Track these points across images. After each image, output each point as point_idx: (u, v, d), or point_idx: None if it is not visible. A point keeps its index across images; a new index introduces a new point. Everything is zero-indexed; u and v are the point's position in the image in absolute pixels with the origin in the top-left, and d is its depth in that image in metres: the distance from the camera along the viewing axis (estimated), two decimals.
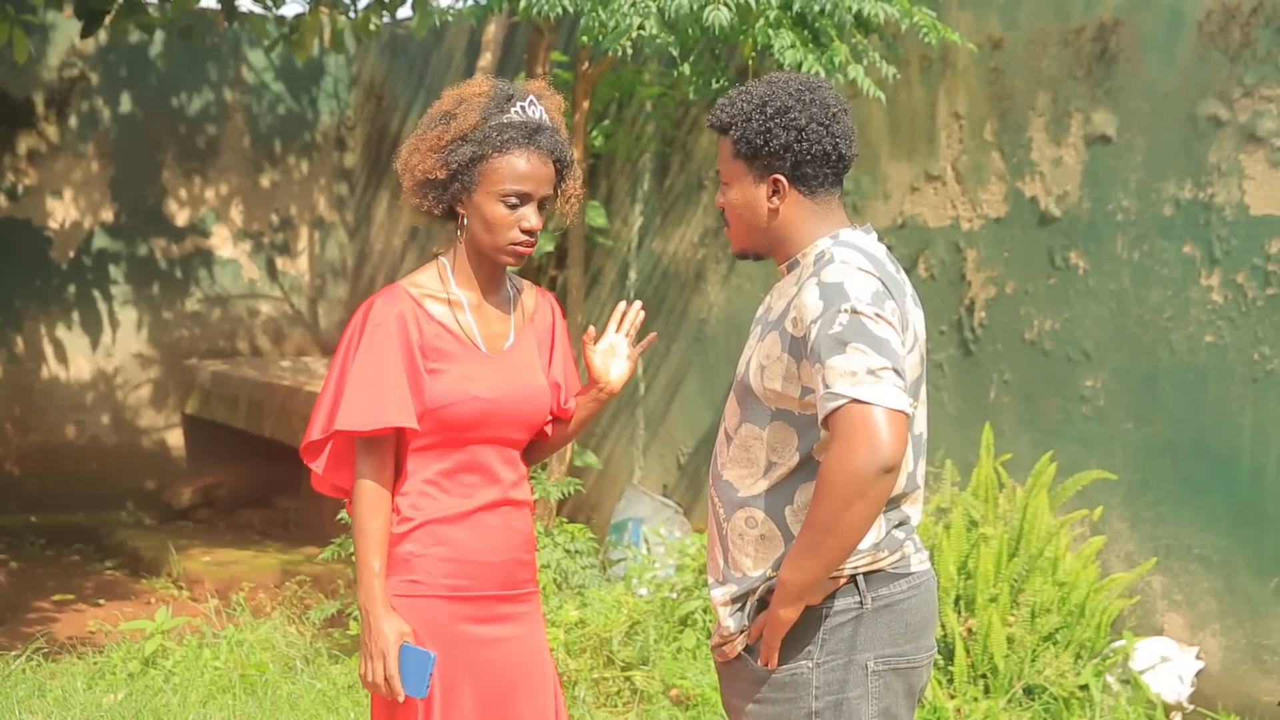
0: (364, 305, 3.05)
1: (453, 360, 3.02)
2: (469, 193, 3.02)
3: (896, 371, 2.58)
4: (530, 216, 3.02)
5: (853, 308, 2.62)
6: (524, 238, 3.03)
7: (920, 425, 2.83)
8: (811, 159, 2.80)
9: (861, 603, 2.73)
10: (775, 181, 2.82)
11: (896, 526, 2.76)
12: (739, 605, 2.81)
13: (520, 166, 2.99)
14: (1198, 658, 5.25)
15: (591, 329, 3.23)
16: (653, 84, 7.24)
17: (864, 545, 2.70)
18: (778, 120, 2.79)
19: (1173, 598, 5.38)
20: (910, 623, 2.78)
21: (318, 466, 3.07)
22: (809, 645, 2.74)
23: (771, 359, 2.76)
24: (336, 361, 3.03)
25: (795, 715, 2.76)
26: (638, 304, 3.27)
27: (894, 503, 2.76)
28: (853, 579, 2.73)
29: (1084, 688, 5.17)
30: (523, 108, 3.04)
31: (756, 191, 2.84)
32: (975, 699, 5.11)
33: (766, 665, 2.76)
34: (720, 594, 2.85)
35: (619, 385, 3.22)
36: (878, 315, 2.63)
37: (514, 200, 3.00)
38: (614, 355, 3.23)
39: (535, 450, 3.25)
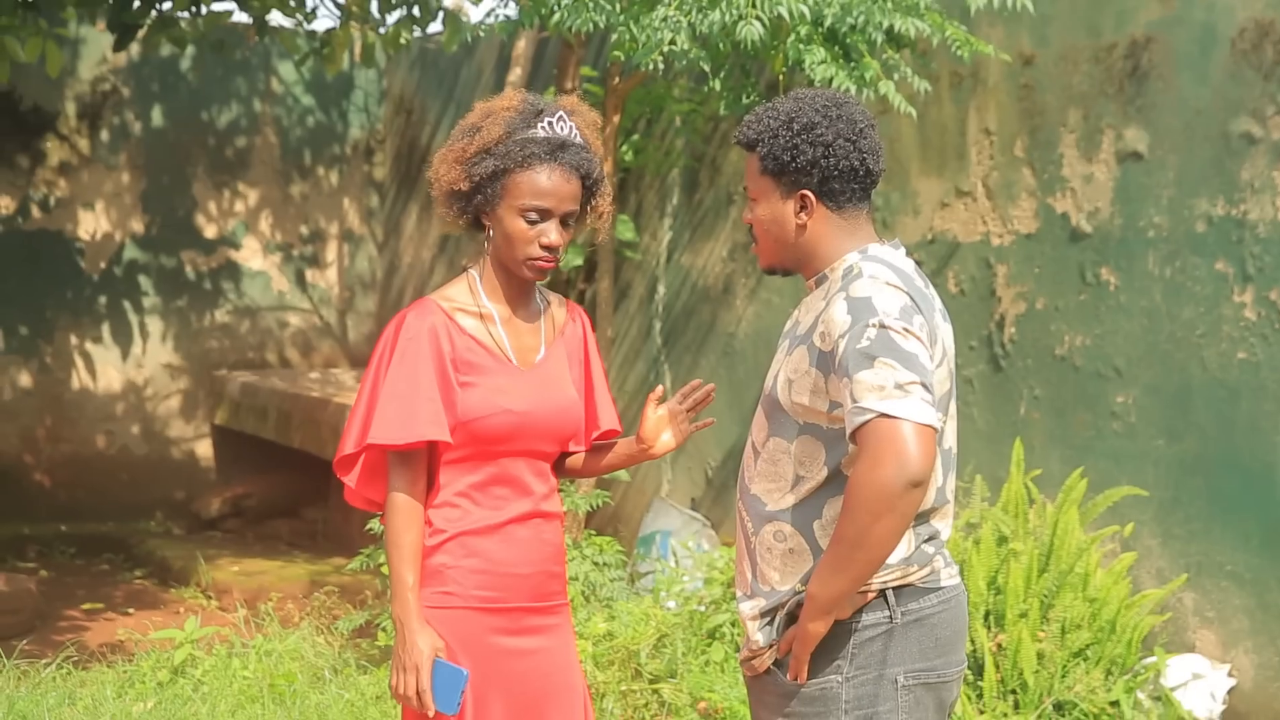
0: (396, 319, 3.07)
1: (484, 373, 3.02)
2: (491, 206, 3.03)
3: (925, 386, 2.58)
4: (550, 232, 3.02)
5: (881, 322, 2.63)
6: (543, 254, 3.03)
7: (950, 440, 2.83)
8: (839, 174, 2.81)
9: (891, 617, 2.73)
10: (803, 197, 2.83)
11: (926, 541, 2.76)
12: (768, 619, 2.81)
13: (541, 182, 3.00)
14: (1230, 675, 5.22)
15: (660, 389, 3.23)
16: (683, 100, 7.25)
17: (893, 560, 2.70)
18: (804, 136, 2.80)
19: (1204, 614, 5.36)
20: (940, 637, 2.78)
21: (351, 480, 3.09)
22: (838, 660, 2.74)
23: (799, 373, 2.77)
24: (369, 375, 3.04)
25: None
26: (710, 386, 3.26)
27: (923, 517, 2.76)
28: (882, 593, 2.73)
29: (1115, 704, 5.14)
30: (550, 124, 3.04)
31: (784, 207, 2.85)
32: (1005, 715, 5.09)
33: (796, 679, 2.76)
34: (749, 608, 2.85)
35: (662, 452, 3.23)
36: (906, 330, 2.63)
37: (534, 216, 3.01)
38: (669, 422, 3.22)
39: (564, 470, 3.26)
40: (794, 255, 2.88)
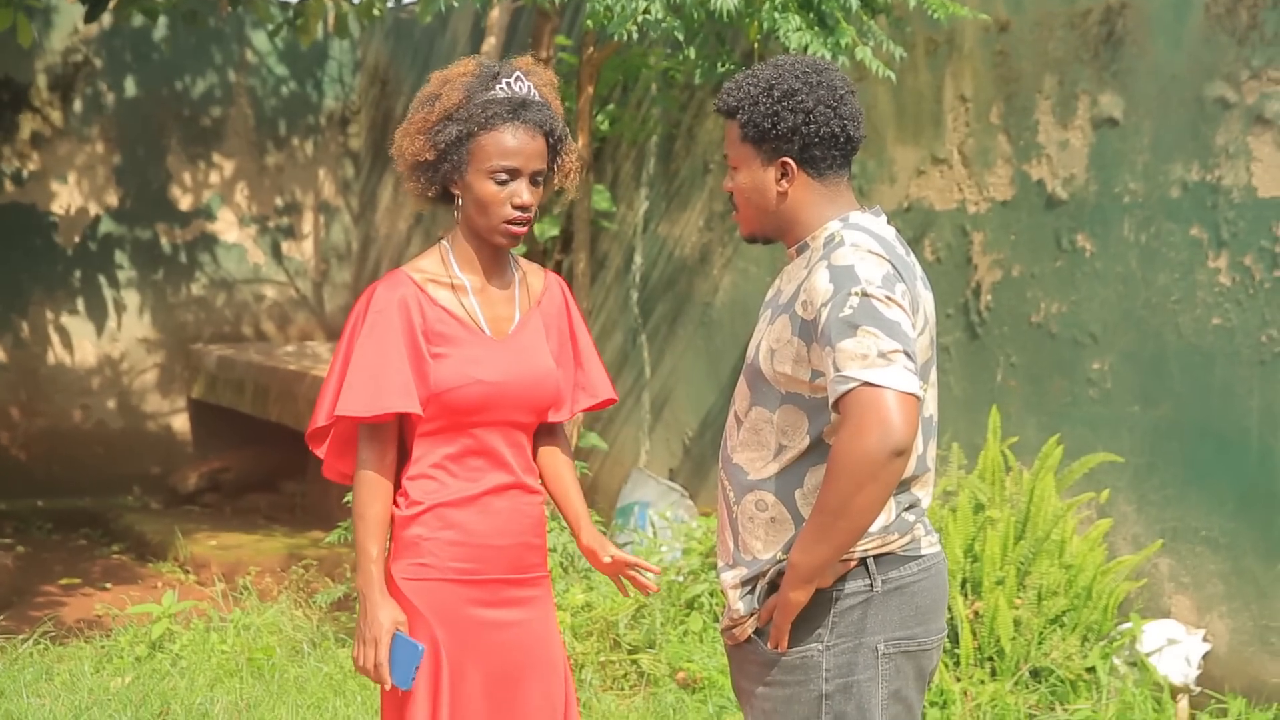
0: (366, 292, 3.05)
1: (456, 344, 3.01)
2: (460, 173, 3.01)
3: (907, 354, 2.58)
4: (522, 192, 3.00)
5: (864, 290, 2.62)
6: (517, 214, 3.00)
7: (930, 408, 2.83)
8: (819, 141, 2.79)
9: (872, 585, 2.74)
10: (783, 164, 2.81)
11: (907, 509, 2.76)
12: (749, 588, 2.81)
13: (507, 142, 2.98)
14: (1205, 640, 5.25)
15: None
16: (658, 65, 7.22)
17: (874, 528, 2.70)
18: (785, 103, 2.78)
19: (1180, 580, 5.38)
20: (921, 605, 2.78)
21: (322, 453, 3.09)
22: (819, 628, 2.74)
23: (781, 342, 2.76)
24: (340, 348, 3.03)
25: (805, 698, 2.76)
26: (653, 579, 3.21)
27: (904, 485, 2.76)
28: (863, 562, 2.73)
29: (1091, 670, 5.17)
30: (509, 84, 3.02)
31: (765, 175, 2.83)
32: (982, 682, 5.11)
33: (776, 648, 2.76)
34: (730, 577, 2.85)
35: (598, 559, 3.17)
36: (889, 298, 2.63)
37: (503, 176, 2.98)
38: (612, 568, 3.17)
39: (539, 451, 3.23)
40: (775, 223, 2.86)
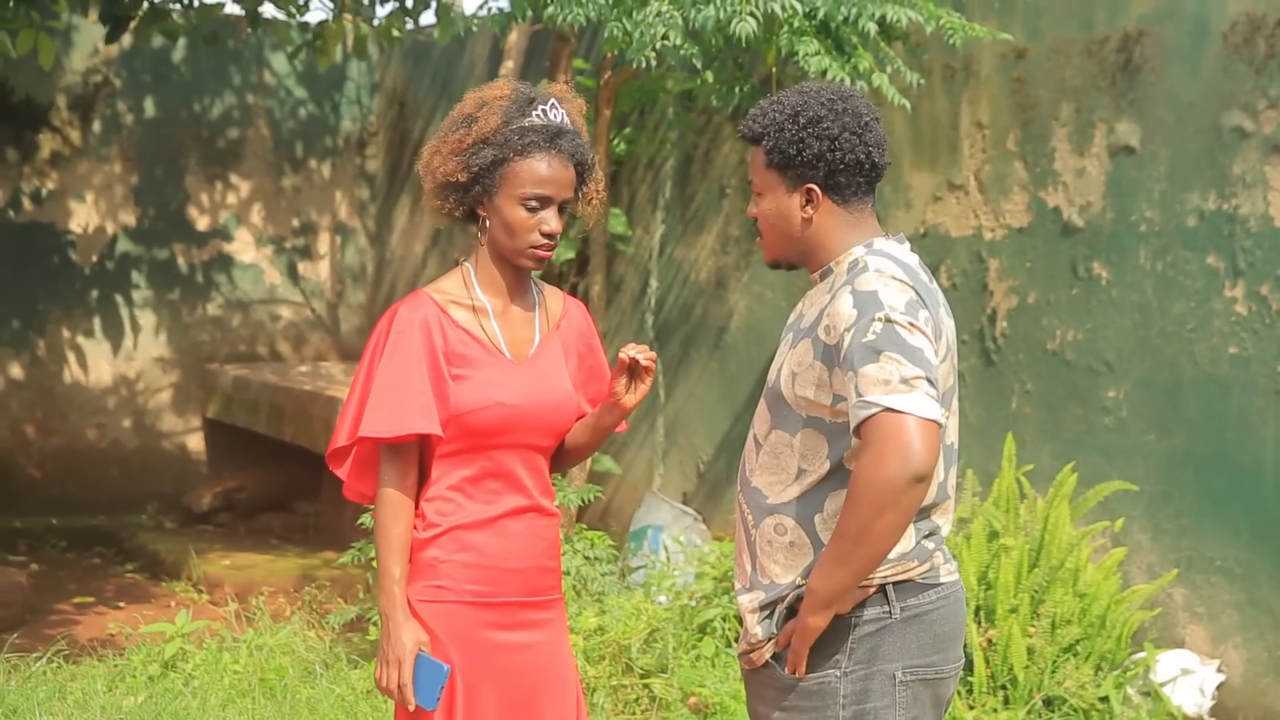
0: (389, 312, 3.06)
1: (477, 366, 3.02)
2: (490, 196, 3.02)
3: (929, 381, 2.58)
4: (550, 220, 3.02)
5: (887, 316, 2.63)
6: (544, 241, 3.02)
7: (951, 435, 2.83)
8: (845, 168, 2.81)
9: (890, 612, 2.73)
10: (808, 191, 2.82)
11: (926, 537, 2.76)
12: (767, 612, 2.81)
13: (541, 170, 2.99)
14: (1219, 670, 5.23)
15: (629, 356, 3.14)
16: (676, 88, 7.24)
17: (893, 555, 2.70)
18: (810, 130, 2.79)
19: (1194, 610, 5.36)
20: (939, 633, 2.78)
21: (343, 473, 3.09)
22: (837, 654, 2.74)
23: (803, 366, 2.76)
24: (362, 368, 3.04)
25: None
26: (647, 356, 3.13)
27: (924, 512, 2.76)
28: (882, 588, 2.73)
29: (1104, 699, 5.15)
30: (544, 111, 3.04)
31: (790, 201, 2.84)
32: (995, 710, 5.10)
33: (794, 673, 2.76)
34: (748, 600, 2.84)
35: (637, 400, 3.14)
36: (911, 325, 2.63)
37: (534, 204, 3.00)
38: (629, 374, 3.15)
39: (559, 460, 3.25)
40: (799, 249, 2.87)
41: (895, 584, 2.73)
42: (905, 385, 2.56)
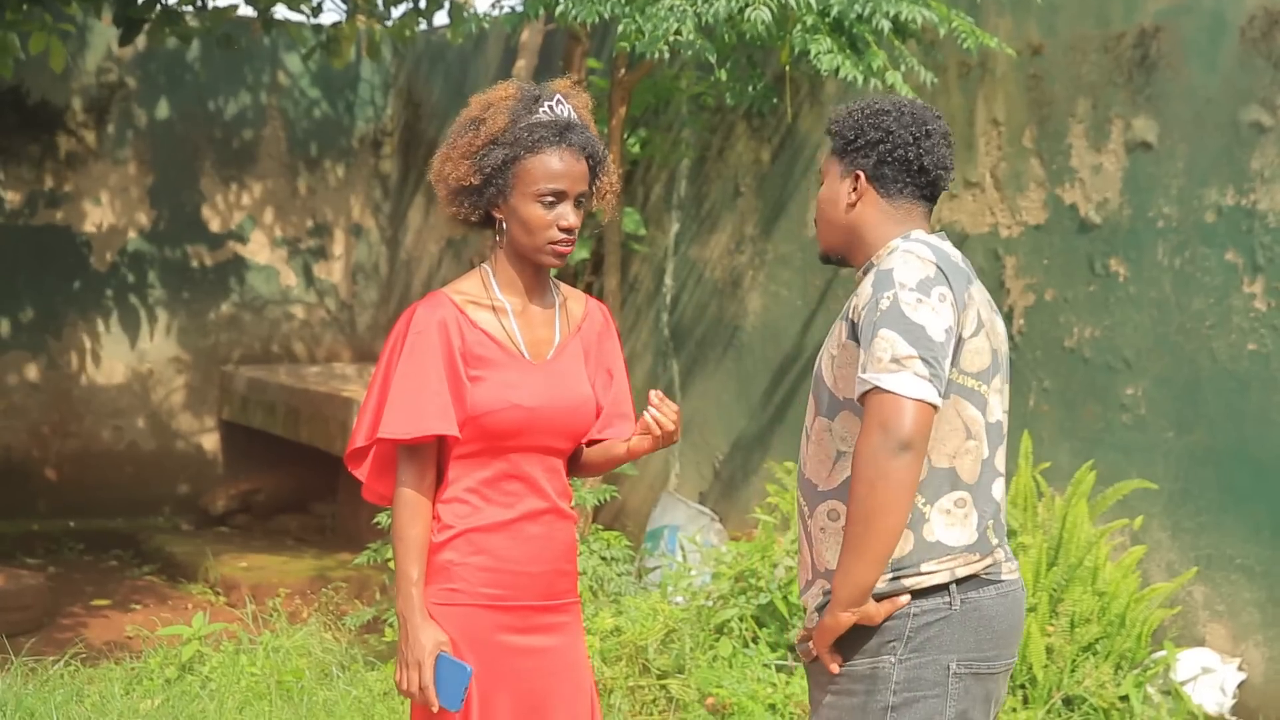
0: (406, 313, 3.05)
1: (495, 367, 3.00)
2: (505, 196, 3.01)
3: (924, 360, 2.64)
4: (568, 214, 3.01)
5: (895, 293, 2.71)
6: (563, 236, 3.01)
7: (997, 414, 2.87)
8: (893, 162, 2.89)
9: (950, 604, 2.78)
10: (856, 177, 2.91)
11: (989, 527, 2.80)
12: (827, 600, 2.85)
13: (554, 165, 2.99)
14: (1240, 669, 5.20)
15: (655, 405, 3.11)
16: (690, 88, 7.22)
17: (957, 545, 2.76)
18: (871, 120, 2.91)
19: (1214, 608, 5.33)
20: (997, 630, 2.82)
21: (361, 474, 3.08)
22: (894, 641, 2.78)
23: (840, 347, 2.85)
24: (379, 369, 3.03)
25: (872, 708, 2.79)
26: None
27: (981, 491, 2.79)
28: (946, 585, 2.78)
29: (1124, 699, 5.12)
30: (550, 107, 3.03)
31: (840, 186, 2.95)
32: (1014, 709, 5.07)
33: (826, 666, 2.81)
34: (810, 594, 2.90)
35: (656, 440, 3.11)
36: (919, 300, 2.70)
37: (550, 199, 2.99)
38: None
39: (580, 468, 3.22)
40: (844, 238, 2.95)
41: (959, 579, 2.78)
42: (896, 364, 2.64)
